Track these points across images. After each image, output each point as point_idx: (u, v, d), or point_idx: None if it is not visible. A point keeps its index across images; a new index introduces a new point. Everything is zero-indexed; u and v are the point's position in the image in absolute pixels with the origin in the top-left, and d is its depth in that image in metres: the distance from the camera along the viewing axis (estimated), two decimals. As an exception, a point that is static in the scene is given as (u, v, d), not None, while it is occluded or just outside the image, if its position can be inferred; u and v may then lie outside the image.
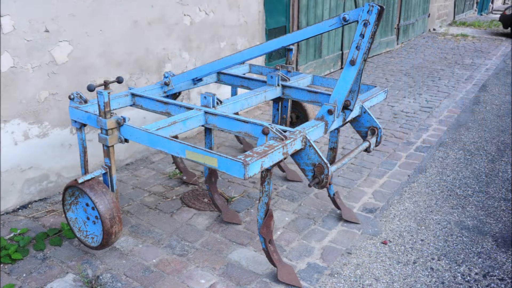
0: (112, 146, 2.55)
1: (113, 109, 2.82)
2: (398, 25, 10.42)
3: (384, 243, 2.97)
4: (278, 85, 3.22)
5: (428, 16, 12.77)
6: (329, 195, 3.21)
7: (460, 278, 2.66)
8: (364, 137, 2.88)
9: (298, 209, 3.34)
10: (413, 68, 8.35)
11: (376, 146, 2.85)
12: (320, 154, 2.28)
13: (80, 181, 2.49)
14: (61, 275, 2.59)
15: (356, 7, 7.92)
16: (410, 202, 3.51)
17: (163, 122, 2.48)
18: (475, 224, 3.22)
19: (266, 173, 2.34)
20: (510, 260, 2.83)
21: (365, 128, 2.87)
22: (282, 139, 2.22)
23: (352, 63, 2.36)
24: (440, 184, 3.83)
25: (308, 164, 2.33)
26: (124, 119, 2.45)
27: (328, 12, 7.21)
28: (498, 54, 10.00)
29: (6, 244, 2.76)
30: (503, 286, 2.60)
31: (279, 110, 3.48)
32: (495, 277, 2.67)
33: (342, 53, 7.96)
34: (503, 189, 3.76)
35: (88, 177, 2.52)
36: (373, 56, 9.39)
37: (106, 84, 2.81)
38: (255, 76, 4.12)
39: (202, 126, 2.64)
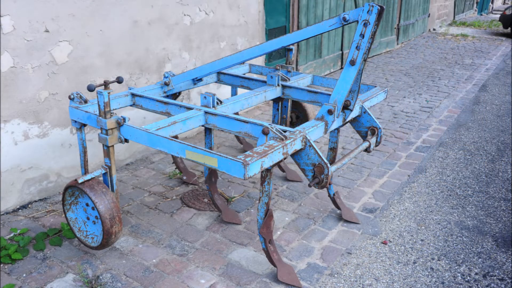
0: (112, 146, 2.55)
1: (113, 109, 2.82)
2: (398, 25, 10.42)
3: (384, 243, 2.97)
4: (278, 85, 3.22)
5: (428, 16, 12.77)
6: (329, 195, 3.21)
7: (460, 278, 2.66)
8: (364, 137, 2.88)
9: (298, 209, 3.34)
10: (413, 68, 8.34)
11: (376, 146, 2.85)
12: (320, 154, 2.28)
13: (80, 181, 2.49)
14: (61, 275, 2.59)
15: (356, 7, 7.92)
16: (410, 202, 3.51)
17: (163, 122, 2.48)
18: (475, 224, 3.22)
19: (266, 173, 2.34)
20: (510, 260, 2.83)
21: (365, 128, 2.87)
22: (282, 139, 2.22)
23: (352, 63, 2.36)
24: (440, 184, 3.83)
25: (308, 164, 2.33)
26: (124, 119, 2.46)
27: (328, 12, 7.21)
28: (498, 54, 10.00)
29: (6, 244, 2.76)
30: (503, 286, 2.60)
31: (279, 110, 3.48)
32: (495, 277, 2.67)
33: (342, 53, 7.96)
34: (503, 189, 3.76)
35: (88, 177, 2.52)
36: (373, 56, 9.39)
37: (106, 84, 2.80)
38: (255, 76, 4.12)
39: (202, 126, 2.64)
